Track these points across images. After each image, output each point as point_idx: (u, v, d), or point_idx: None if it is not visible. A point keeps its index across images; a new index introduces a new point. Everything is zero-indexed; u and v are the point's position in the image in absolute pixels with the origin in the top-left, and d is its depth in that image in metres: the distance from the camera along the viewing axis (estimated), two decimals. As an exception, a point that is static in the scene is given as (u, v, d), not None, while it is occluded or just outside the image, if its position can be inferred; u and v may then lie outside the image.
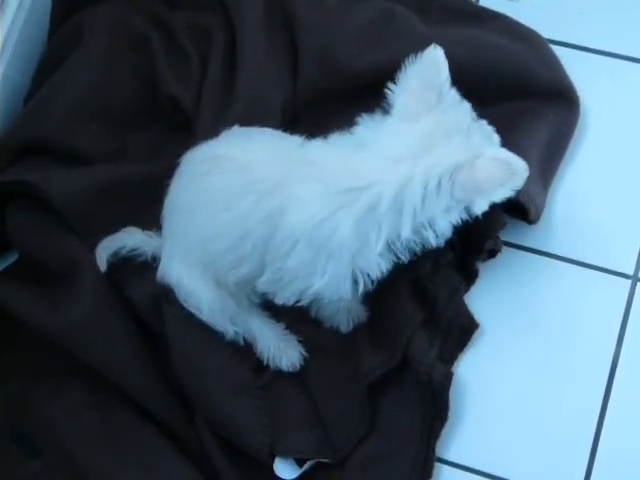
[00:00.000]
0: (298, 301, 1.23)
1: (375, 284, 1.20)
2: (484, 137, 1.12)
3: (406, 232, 1.11)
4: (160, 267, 1.34)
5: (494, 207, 1.32)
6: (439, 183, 1.07)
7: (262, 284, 1.24)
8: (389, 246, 1.13)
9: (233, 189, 1.19)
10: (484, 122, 1.15)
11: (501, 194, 1.07)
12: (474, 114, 1.15)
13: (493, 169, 1.06)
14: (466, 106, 1.14)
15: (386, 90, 1.12)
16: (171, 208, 1.32)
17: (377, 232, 1.11)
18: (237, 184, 1.19)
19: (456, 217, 1.11)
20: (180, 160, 1.33)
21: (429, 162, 1.07)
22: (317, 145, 1.18)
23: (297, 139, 1.26)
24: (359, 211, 1.10)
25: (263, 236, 1.17)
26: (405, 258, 1.15)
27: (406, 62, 1.12)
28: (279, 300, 1.26)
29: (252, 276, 1.25)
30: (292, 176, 1.14)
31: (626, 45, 1.54)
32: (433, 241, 1.13)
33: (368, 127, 1.14)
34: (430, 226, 1.11)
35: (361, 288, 1.19)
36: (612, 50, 1.54)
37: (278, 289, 1.23)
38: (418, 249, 1.15)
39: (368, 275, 1.17)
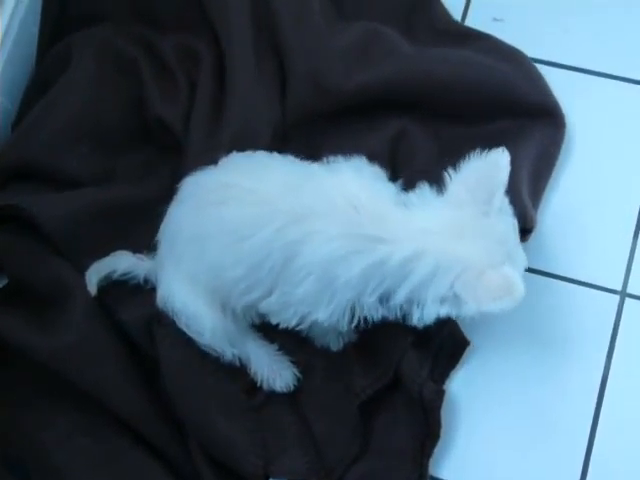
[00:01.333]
0: (298, 324, 1.24)
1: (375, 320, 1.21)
2: (511, 259, 1.13)
3: (399, 298, 1.13)
4: (160, 292, 1.33)
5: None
6: (447, 271, 1.09)
7: (267, 304, 1.24)
8: (380, 300, 1.15)
9: (252, 219, 1.19)
10: (520, 246, 1.18)
11: (491, 307, 1.08)
12: (517, 234, 1.18)
13: (495, 283, 1.07)
14: (512, 222, 1.16)
15: (445, 174, 1.15)
16: (174, 234, 1.31)
17: (376, 284, 1.13)
18: (256, 214, 1.19)
19: (445, 311, 1.12)
20: (179, 185, 1.33)
21: (449, 248, 1.09)
22: (361, 183, 1.17)
23: (314, 167, 1.26)
24: (372, 260, 1.11)
25: (281, 263, 1.17)
26: (391, 316, 1.17)
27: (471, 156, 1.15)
28: (280, 322, 1.26)
29: (261, 299, 1.25)
30: (320, 209, 1.15)
31: (610, 64, 1.55)
32: (415, 320, 1.15)
33: (417, 195, 1.16)
34: (419, 306, 1.13)
35: (358, 322, 1.21)
36: (596, 69, 1.56)
37: (281, 311, 1.23)
38: (400, 316, 1.17)
39: (367, 314, 1.19)
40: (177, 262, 1.30)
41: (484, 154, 1.14)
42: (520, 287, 1.07)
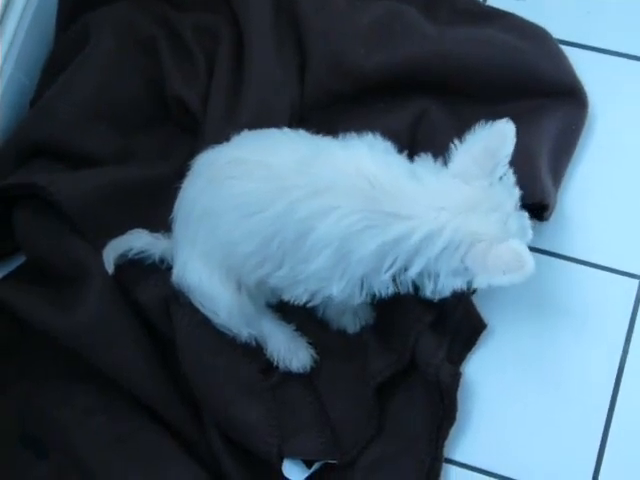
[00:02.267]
0: (309, 301, 1.23)
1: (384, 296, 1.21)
2: (519, 228, 1.14)
3: (413, 272, 1.13)
4: (176, 270, 1.33)
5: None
6: (458, 245, 1.10)
7: (277, 279, 1.23)
8: (394, 275, 1.15)
9: (263, 194, 1.18)
10: (526, 215, 1.18)
11: (501, 280, 1.08)
12: (520, 204, 1.18)
13: (505, 256, 1.08)
14: (516, 193, 1.16)
15: (451, 145, 1.15)
16: (188, 211, 1.30)
17: (392, 261, 1.13)
18: (267, 189, 1.18)
19: (458, 284, 1.13)
20: (192, 163, 1.33)
21: (462, 223, 1.10)
22: (375, 158, 1.17)
23: (326, 141, 1.25)
24: (388, 237, 1.11)
25: (292, 238, 1.17)
26: (403, 291, 1.18)
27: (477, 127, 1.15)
28: (290, 297, 1.25)
29: (272, 274, 1.24)
30: (335, 185, 1.14)
31: (632, 45, 1.54)
32: (428, 293, 1.15)
33: (425, 167, 1.16)
34: (433, 279, 1.14)
35: (370, 298, 1.21)
36: (619, 49, 1.54)
37: (291, 286, 1.23)
38: (412, 290, 1.17)
39: (376, 291, 1.19)
40: (191, 239, 1.29)
41: (489, 124, 1.14)
42: (529, 259, 1.07)
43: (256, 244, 1.21)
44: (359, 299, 1.20)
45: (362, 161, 1.15)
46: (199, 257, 1.29)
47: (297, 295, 1.24)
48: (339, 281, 1.17)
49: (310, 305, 1.25)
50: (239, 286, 1.29)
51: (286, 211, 1.16)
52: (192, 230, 1.29)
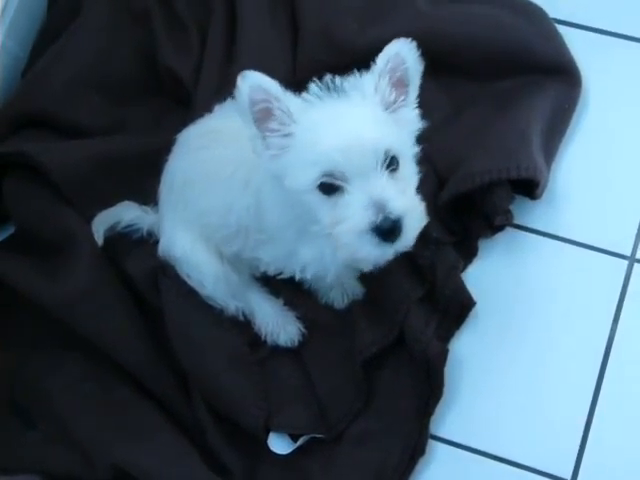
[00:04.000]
0: (298, 276, 1.24)
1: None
2: None
3: None
4: (162, 241, 1.34)
5: (501, 183, 1.33)
6: None
7: (260, 255, 1.25)
8: None
9: (219, 162, 1.20)
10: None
11: None
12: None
13: None
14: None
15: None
16: (170, 182, 1.31)
17: None
18: (222, 156, 1.20)
19: None
20: (177, 136, 1.33)
21: None
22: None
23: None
24: None
25: (244, 210, 1.18)
26: None
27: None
28: (277, 272, 1.26)
29: (243, 252, 1.26)
30: None
31: (627, 25, 1.53)
32: None
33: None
34: None
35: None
36: (614, 29, 1.54)
37: (275, 261, 1.24)
38: None
39: None
40: (174, 210, 1.30)
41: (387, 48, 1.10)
42: None
43: (218, 215, 1.22)
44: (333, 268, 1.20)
45: None
46: (182, 228, 1.30)
47: (285, 270, 1.24)
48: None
49: (299, 279, 1.25)
50: (221, 256, 1.30)
51: (231, 180, 1.17)
52: (174, 200, 1.30)
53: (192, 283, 1.33)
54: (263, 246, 1.22)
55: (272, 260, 1.24)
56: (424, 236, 1.34)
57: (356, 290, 1.38)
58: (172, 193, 1.31)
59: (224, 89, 1.46)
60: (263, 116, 1.03)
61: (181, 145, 1.31)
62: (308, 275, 1.24)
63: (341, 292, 1.37)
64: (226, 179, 1.19)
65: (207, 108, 1.34)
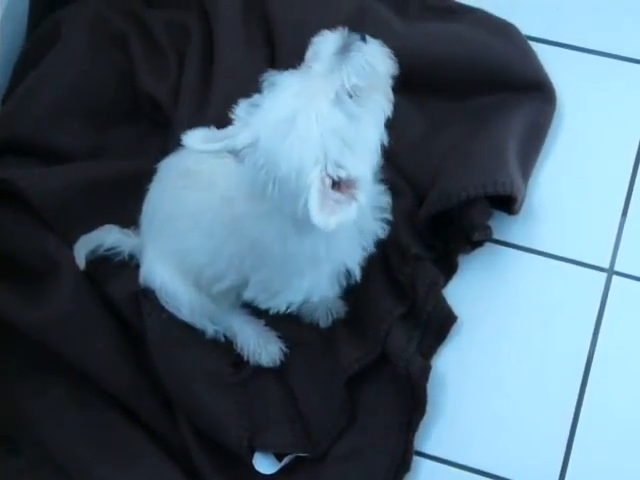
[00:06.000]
0: (288, 308, 1.25)
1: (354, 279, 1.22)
2: None
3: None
4: (142, 271, 1.34)
5: (479, 199, 1.35)
6: None
7: (248, 296, 1.26)
8: None
9: (200, 205, 1.21)
10: None
11: None
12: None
13: None
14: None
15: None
16: (152, 214, 1.32)
17: None
18: (202, 200, 1.21)
19: None
20: (158, 165, 1.34)
21: None
22: None
23: None
24: None
25: (234, 253, 1.19)
26: None
27: None
28: (267, 307, 1.27)
29: (236, 287, 1.27)
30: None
31: (600, 41, 1.55)
32: None
33: None
34: None
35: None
36: (587, 46, 1.55)
37: (266, 299, 1.25)
38: None
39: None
40: (154, 241, 1.31)
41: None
42: None
43: (204, 257, 1.24)
44: (334, 290, 1.22)
45: None
46: (162, 258, 1.31)
47: (276, 305, 1.26)
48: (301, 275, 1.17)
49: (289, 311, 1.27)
50: (198, 288, 1.31)
51: (213, 226, 1.19)
52: (155, 232, 1.31)
53: (170, 309, 1.35)
54: (257, 284, 1.23)
55: (265, 297, 1.25)
56: (403, 252, 1.38)
57: (340, 309, 1.39)
58: (153, 226, 1.31)
59: (202, 111, 1.48)
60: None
61: (162, 179, 1.32)
62: (296, 306, 1.25)
63: (326, 312, 1.38)
64: (207, 224, 1.20)
65: (185, 132, 1.35)
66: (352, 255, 1.20)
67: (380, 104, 1.07)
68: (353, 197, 1.00)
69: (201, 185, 1.22)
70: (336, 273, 1.22)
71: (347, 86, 1.02)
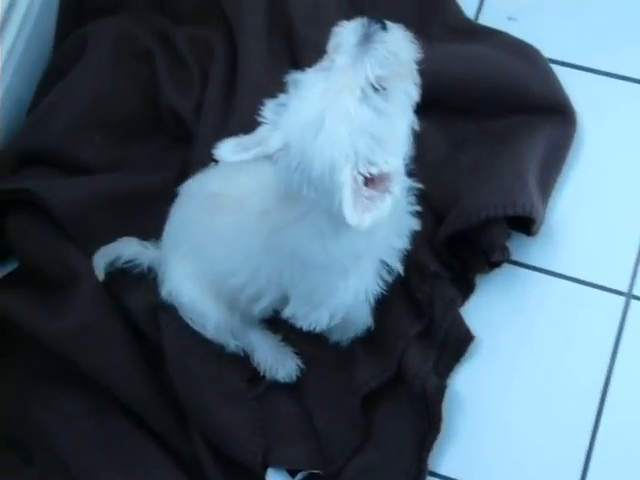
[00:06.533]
0: (330, 322, 1.24)
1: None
2: None
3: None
4: (167, 287, 1.34)
5: (498, 220, 1.35)
6: None
7: (289, 312, 1.25)
8: None
9: (233, 229, 1.21)
10: None
11: None
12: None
13: None
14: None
15: None
16: (178, 237, 1.32)
17: None
18: (235, 224, 1.20)
19: None
20: (179, 189, 1.34)
21: None
22: None
23: None
24: None
25: (274, 268, 1.19)
26: None
27: None
28: (307, 323, 1.25)
29: (273, 304, 1.27)
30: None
31: (622, 65, 1.55)
32: None
33: None
34: None
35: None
36: (608, 70, 1.55)
37: (307, 313, 1.24)
38: None
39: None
40: (184, 261, 1.31)
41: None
42: None
43: (243, 277, 1.23)
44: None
45: None
46: (192, 277, 1.30)
47: (316, 320, 1.24)
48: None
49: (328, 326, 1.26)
50: (231, 308, 1.31)
51: (250, 246, 1.18)
52: (184, 254, 1.30)
53: (194, 326, 1.35)
54: (299, 297, 1.23)
55: (307, 311, 1.24)
56: (422, 270, 1.38)
57: (370, 325, 1.37)
58: (180, 247, 1.31)
59: (225, 125, 1.49)
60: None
61: (185, 203, 1.32)
62: (338, 318, 1.24)
63: (355, 329, 1.36)
64: (243, 246, 1.20)
65: (208, 146, 1.36)
66: (390, 248, 1.21)
67: (407, 92, 1.07)
68: (387, 190, 1.01)
69: (230, 209, 1.21)
70: (378, 268, 1.21)
71: (372, 79, 1.01)
